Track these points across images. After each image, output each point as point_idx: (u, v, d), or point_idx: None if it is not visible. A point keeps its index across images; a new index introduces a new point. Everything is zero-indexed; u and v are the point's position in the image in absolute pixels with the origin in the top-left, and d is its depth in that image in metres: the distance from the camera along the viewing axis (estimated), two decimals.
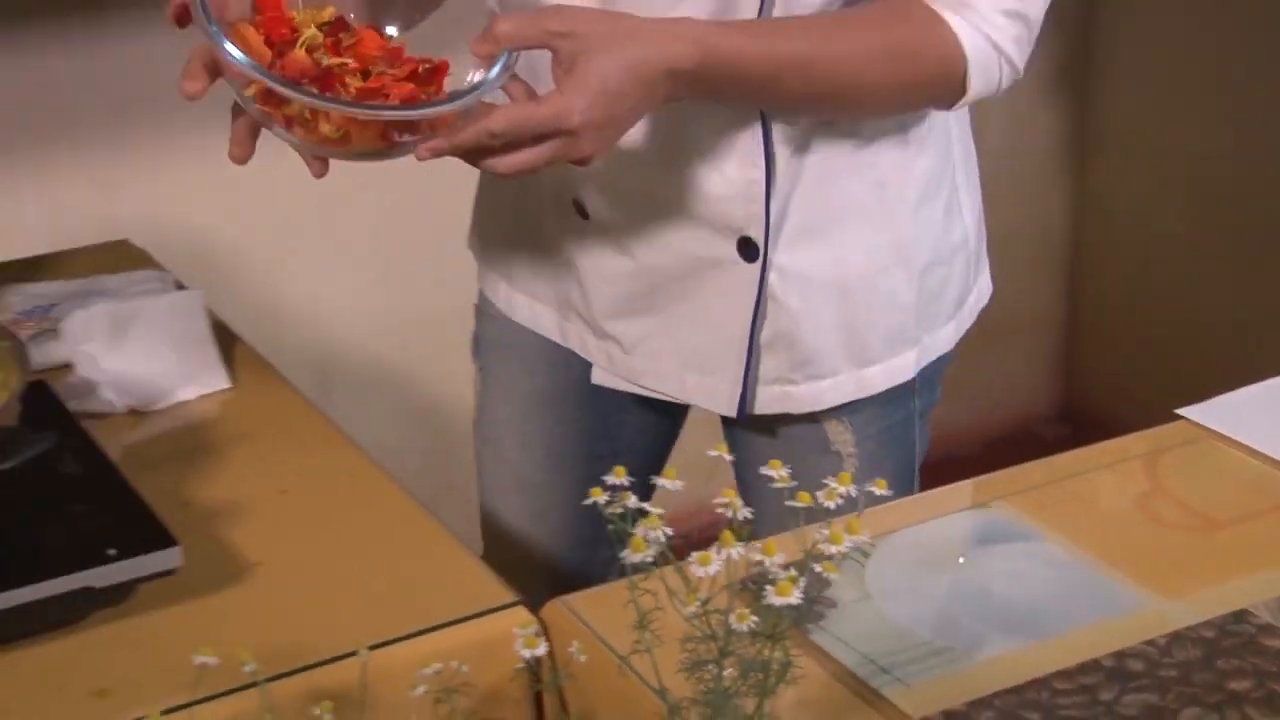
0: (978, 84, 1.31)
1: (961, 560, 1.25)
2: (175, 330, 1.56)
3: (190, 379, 1.54)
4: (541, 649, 0.98)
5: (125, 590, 1.21)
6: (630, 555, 0.93)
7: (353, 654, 1.06)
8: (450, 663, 1.03)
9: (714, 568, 0.92)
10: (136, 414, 1.52)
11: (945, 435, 1.86)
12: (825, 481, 0.98)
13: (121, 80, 2.22)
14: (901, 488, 1.48)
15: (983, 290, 1.54)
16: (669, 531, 0.94)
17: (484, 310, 1.61)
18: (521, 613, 1.21)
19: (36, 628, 1.20)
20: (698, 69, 1.23)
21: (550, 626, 1.19)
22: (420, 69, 1.24)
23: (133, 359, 1.53)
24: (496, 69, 1.22)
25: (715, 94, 1.28)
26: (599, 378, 1.51)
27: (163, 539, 1.22)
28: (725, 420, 1.49)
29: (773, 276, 1.39)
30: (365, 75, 1.24)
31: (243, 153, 1.23)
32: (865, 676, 1.10)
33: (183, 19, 1.21)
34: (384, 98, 1.22)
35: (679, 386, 1.46)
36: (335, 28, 1.25)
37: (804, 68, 1.27)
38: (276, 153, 1.25)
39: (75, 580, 1.18)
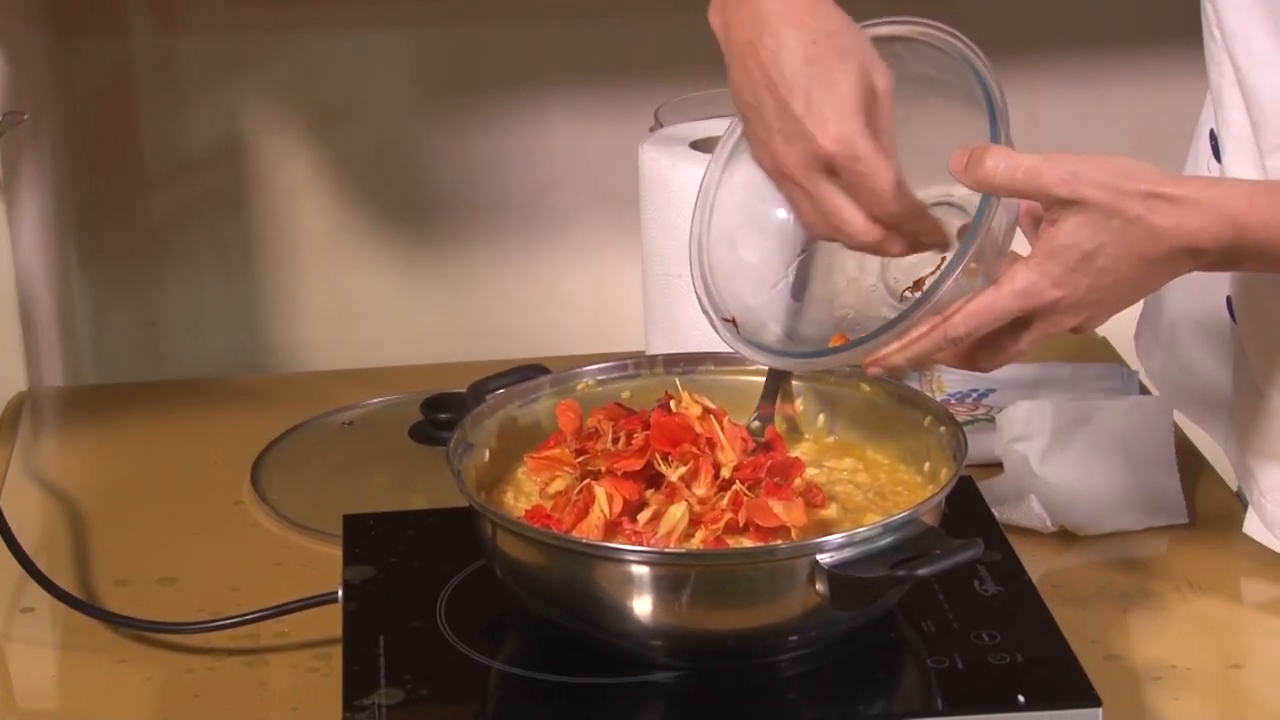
0: None
1: None
2: (1132, 443, 1.45)
3: (1140, 505, 1.42)
4: None
5: None
6: None
7: None
8: None
9: None
10: (1068, 536, 1.40)
11: None
12: None
13: None
14: None
15: None
16: None
17: None
18: None
19: None
20: (1227, 251, 1.12)
21: None
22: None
23: (1074, 470, 1.44)
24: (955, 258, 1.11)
25: (1245, 268, 1.20)
26: None
27: (1083, 694, 1.11)
28: None
29: None
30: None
31: None
32: None
33: None
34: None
35: None
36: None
37: None
38: None
39: None
